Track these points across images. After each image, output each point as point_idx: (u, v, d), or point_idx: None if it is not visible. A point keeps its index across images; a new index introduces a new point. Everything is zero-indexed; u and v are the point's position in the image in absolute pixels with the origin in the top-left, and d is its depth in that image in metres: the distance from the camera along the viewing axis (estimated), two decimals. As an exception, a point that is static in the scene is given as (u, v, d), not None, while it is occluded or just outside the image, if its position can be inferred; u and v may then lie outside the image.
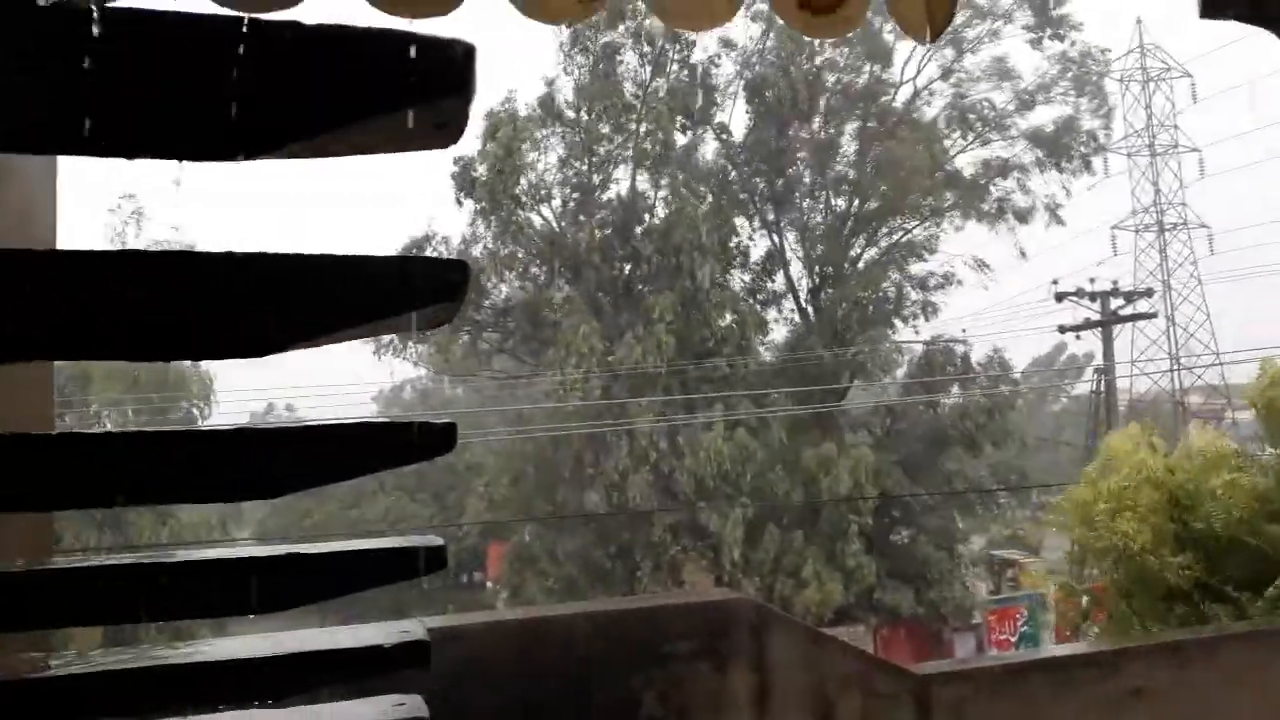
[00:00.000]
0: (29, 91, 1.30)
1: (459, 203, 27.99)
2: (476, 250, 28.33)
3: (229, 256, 1.49)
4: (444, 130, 1.51)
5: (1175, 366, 38.33)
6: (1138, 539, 7.78)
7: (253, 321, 1.54)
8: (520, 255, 27.87)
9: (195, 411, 25.49)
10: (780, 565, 23.78)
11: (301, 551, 2.24)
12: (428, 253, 28.43)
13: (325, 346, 1.85)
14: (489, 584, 40.50)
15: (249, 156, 1.40)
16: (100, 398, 25.10)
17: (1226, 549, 7.73)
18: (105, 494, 2.10)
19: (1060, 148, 29.12)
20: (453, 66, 1.41)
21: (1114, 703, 5.48)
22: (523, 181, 26.91)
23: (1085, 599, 9.58)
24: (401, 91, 1.42)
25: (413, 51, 1.38)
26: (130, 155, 1.38)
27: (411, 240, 28.51)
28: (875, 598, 25.49)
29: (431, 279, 1.65)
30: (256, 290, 1.51)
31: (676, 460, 23.98)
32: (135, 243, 25.42)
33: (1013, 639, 25.99)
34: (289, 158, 1.49)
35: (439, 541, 2.34)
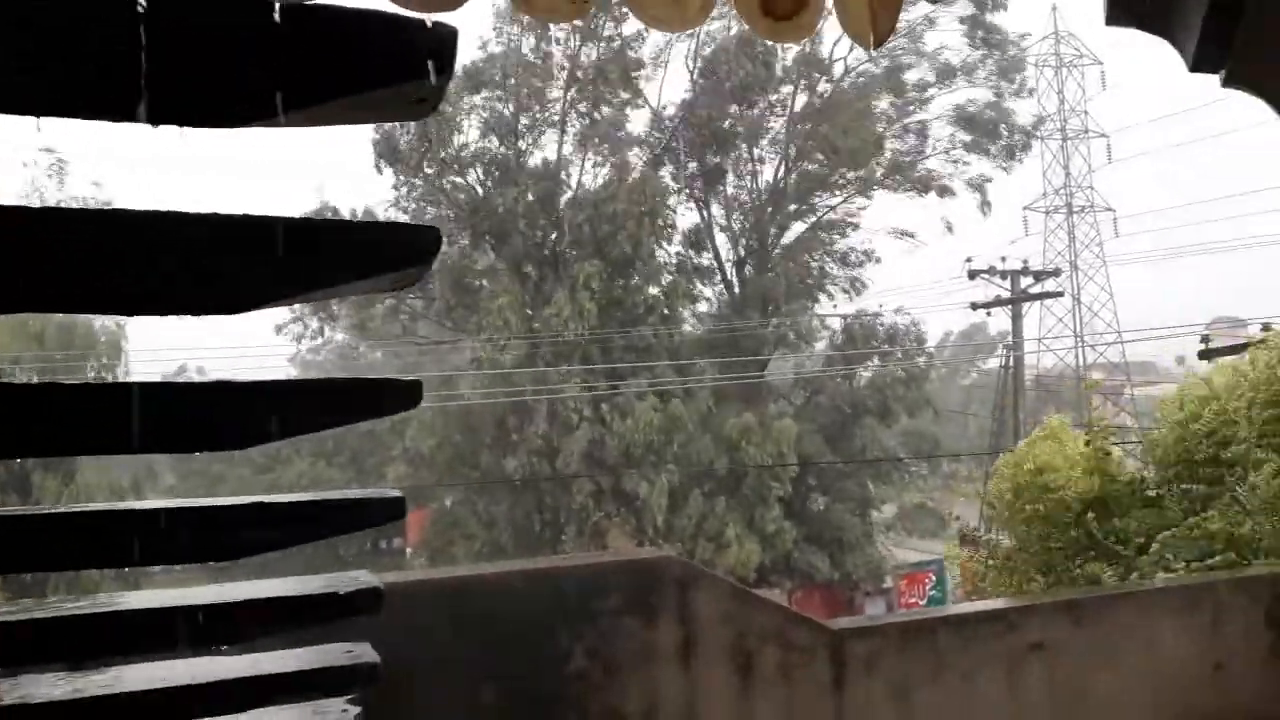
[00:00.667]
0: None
1: (379, 169, 27.56)
2: (397, 216, 27.92)
3: (212, 217, 1.58)
4: (423, 104, 1.64)
5: (1079, 344, 39.93)
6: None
7: (236, 280, 1.63)
8: (445, 222, 27.57)
9: (104, 372, 24.70)
10: (702, 530, 24.25)
11: (265, 501, 2.34)
12: (350, 211, 27.98)
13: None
14: (408, 550, 40.28)
15: (248, 123, 1.49)
16: (2, 354, 24.17)
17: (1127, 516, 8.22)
18: (83, 443, 2.16)
19: (985, 129, 29.90)
20: (438, 48, 1.51)
21: (1014, 656, 5.86)
22: (446, 150, 26.60)
23: (988, 563, 10.05)
24: (391, 69, 1.52)
25: (402, 33, 1.50)
26: (152, 122, 1.45)
27: (324, 205, 27.98)
28: (792, 562, 26.20)
29: (408, 243, 1.77)
30: (242, 250, 1.61)
31: (602, 427, 24.18)
32: (56, 198, 24.38)
33: (921, 603, 27.02)
34: (284, 125, 1.56)
35: (397, 494, 2.46)
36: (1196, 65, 1.93)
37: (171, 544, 2.39)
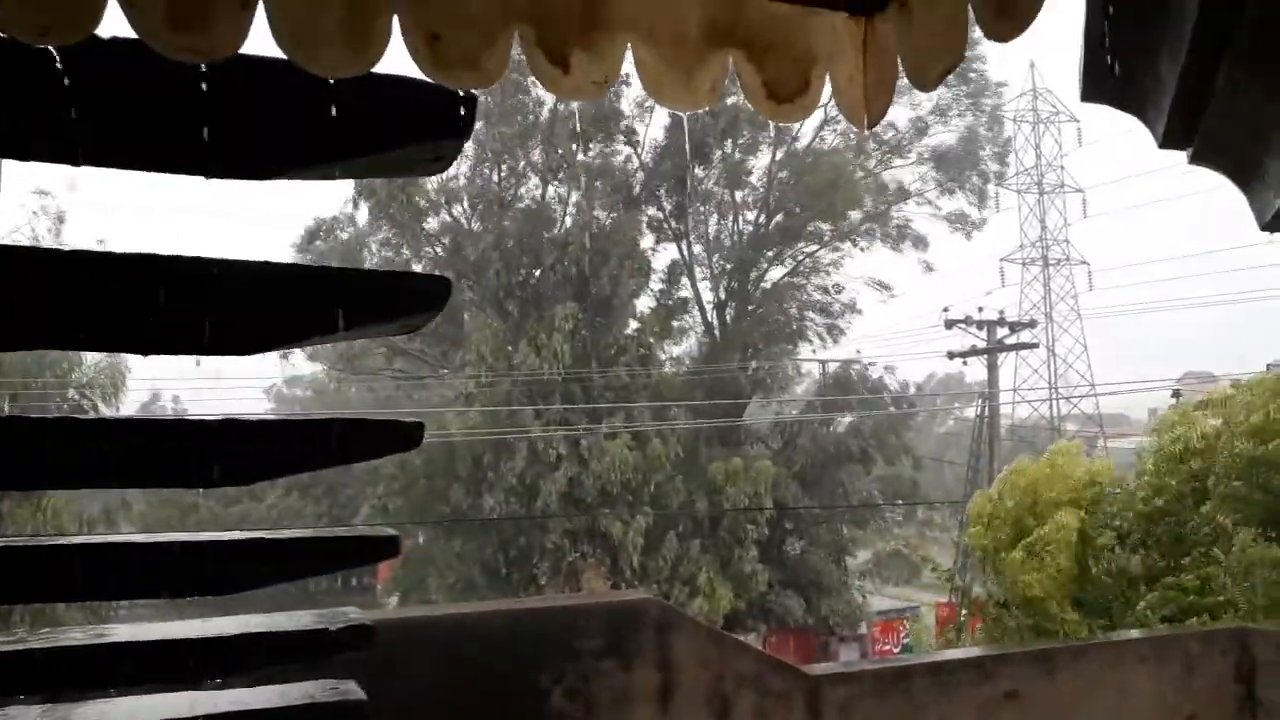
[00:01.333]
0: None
1: (355, 204, 27.72)
2: (376, 247, 28.09)
3: (236, 263, 1.66)
4: (439, 162, 1.74)
5: (1054, 395, 40.34)
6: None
7: (255, 322, 1.71)
8: (423, 254, 27.67)
9: (83, 402, 24.40)
10: (677, 573, 24.16)
11: (264, 537, 2.38)
12: (324, 243, 28.03)
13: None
14: (379, 587, 39.79)
15: (284, 176, 1.59)
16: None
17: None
18: (94, 477, 2.21)
19: (961, 177, 30.48)
20: (457, 113, 1.64)
21: (989, 704, 5.90)
22: (428, 185, 26.78)
23: (963, 611, 10.14)
24: (412, 131, 1.64)
25: (426, 98, 1.61)
26: (202, 174, 1.58)
27: (317, 224, 28.13)
28: (767, 605, 26.11)
29: (419, 292, 1.86)
30: (262, 294, 1.68)
31: (579, 466, 24.13)
32: (51, 241, 24.29)
33: (895, 650, 26.97)
34: (311, 179, 1.67)
35: (392, 533, 2.51)
36: (1165, 143, 2.05)
37: (164, 577, 2.42)
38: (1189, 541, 8.15)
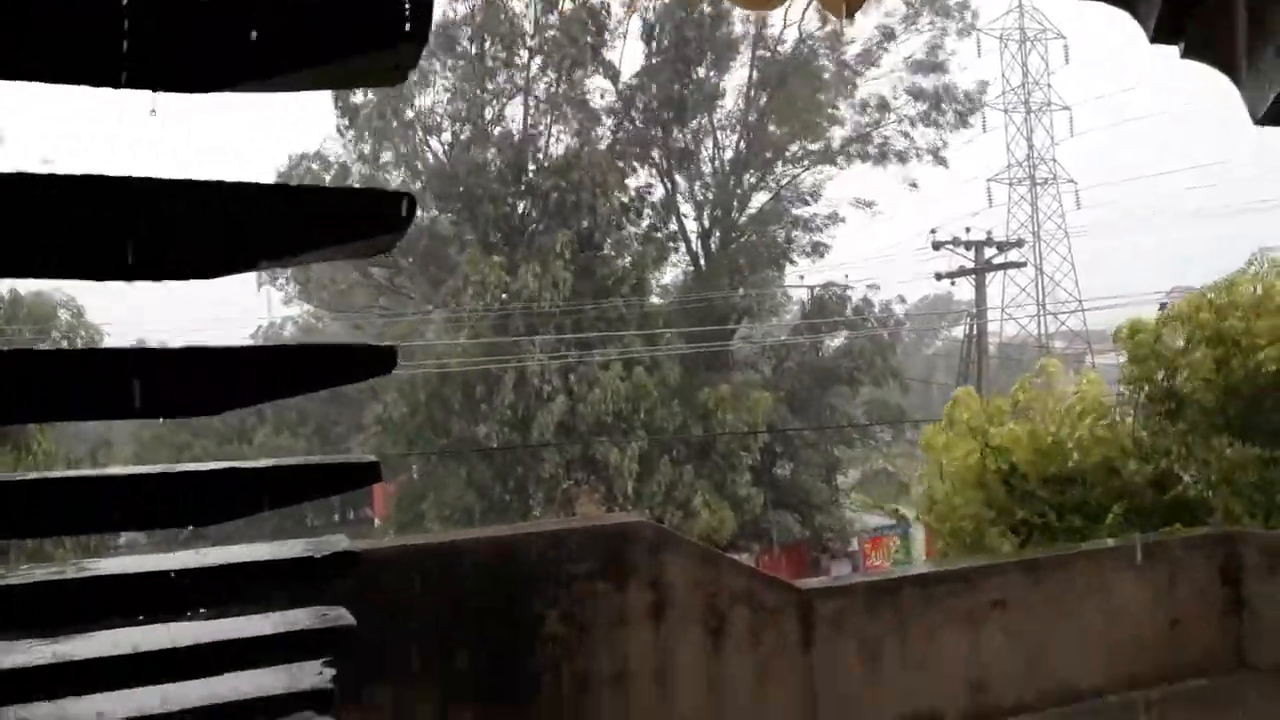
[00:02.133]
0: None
1: (340, 132, 27.16)
2: (358, 177, 27.63)
3: (183, 183, 1.58)
4: (396, 70, 1.65)
5: (1041, 313, 40.48)
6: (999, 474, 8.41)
7: (206, 245, 1.64)
8: (408, 186, 27.24)
9: (65, 344, 24.28)
10: (671, 497, 24.42)
11: (241, 466, 2.34)
12: (301, 175, 27.59)
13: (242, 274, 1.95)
14: (376, 521, 40.18)
15: (220, 89, 1.52)
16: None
17: (1082, 486, 8.42)
18: (58, 409, 2.16)
19: (943, 98, 29.98)
20: (411, 14, 1.54)
21: (977, 613, 6.01)
22: (410, 112, 26.27)
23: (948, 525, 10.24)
24: (365, 37, 1.55)
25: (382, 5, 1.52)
26: (129, 86, 1.48)
27: (295, 159, 27.64)
28: (760, 527, 26.50)
29: (382, 210, 1.77)
30: (213, 215, 1.62)
31: (571, 397, 24.19)
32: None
33: (886, 564, 27.47)
34: (256, 91, 1.59)
35: (372, 459, 2.47)
36: (1156, 37, 1.98)
37: (146, 509, 2.39)
38: (1164, 453, 8.20)
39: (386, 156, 27.39)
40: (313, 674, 3.07)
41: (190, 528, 2.47)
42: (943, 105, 29.88)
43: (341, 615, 2.99)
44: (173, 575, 2.57)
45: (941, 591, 5.92)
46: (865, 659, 5.62)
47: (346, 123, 26.75)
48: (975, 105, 31.00)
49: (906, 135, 30.58)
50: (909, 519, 30.56)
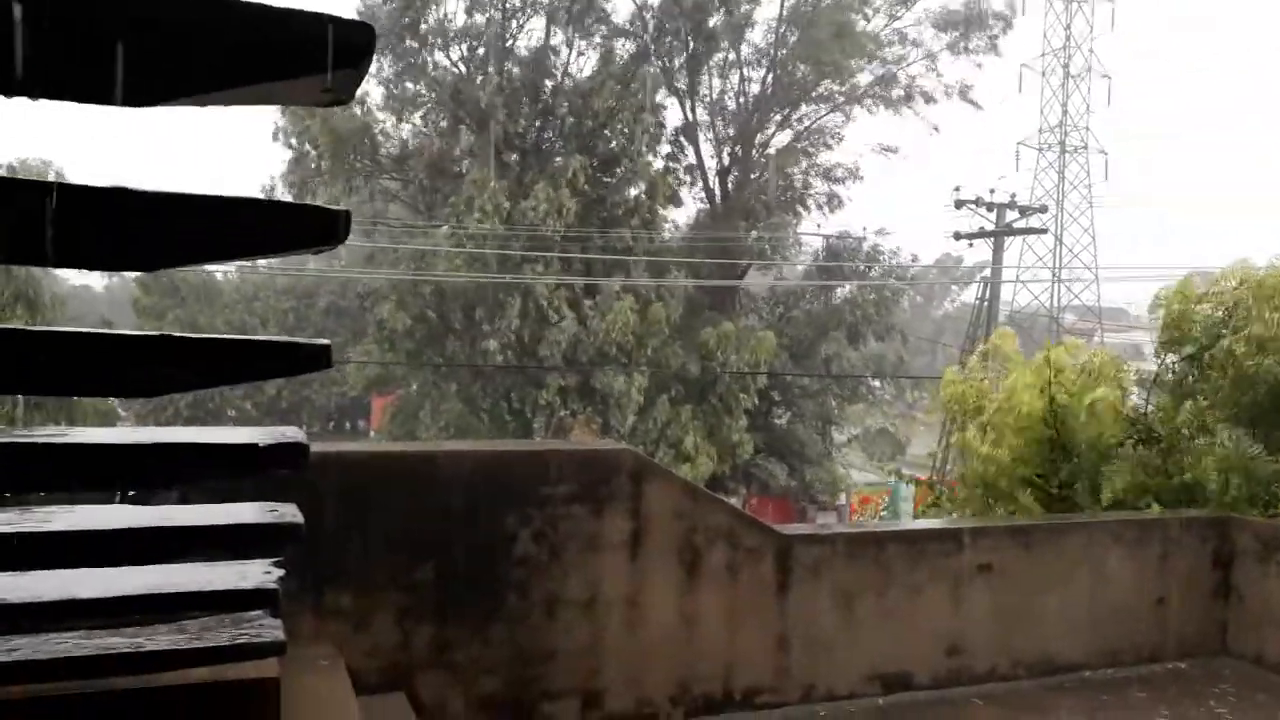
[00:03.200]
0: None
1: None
2: (373, 90, 27.15)
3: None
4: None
5: (1056, 283, 39.97)
6: (1008, 450, 8.21)
7: (154, 71, 1.62)
8: (422, 98, 26.69)
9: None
10: (665, 435, 24.39)
11: (192, 337, 2.19)
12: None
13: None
14: (373, 433, 40.36)
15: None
16: None
17: (1088, 462, 8.24)
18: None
19: (967, 28, 29.09)
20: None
21: (963, 574, 5.86)
22: (425, 25, 25.58)
23: (942, 491, 10.07)
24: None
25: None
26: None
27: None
28: (750, 471, 26.51)
29: (343, 43, 1.72)
30: (158, 42, 1.60)
31: (577, 324, 23.98)
32: None
33: (873, 521, 27.54)
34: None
35: (325, 342, 2.27)
36: None
37: (92, 376, 2.23)
38: (1172, 435, 8.00)
39: (396, 69, 26.70)
40: (258, 574, 2.91)
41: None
42: (971, 32, 29.03)
43: (290, 512, 2.82)
44: (116, 449, 2.41)
45: (930, 550, 5.77)
46: (841, 609, 5.49)
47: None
48: (1008, 23, 30.04)
49: (933, 69, 29.82)
50: (903, 478, 30.57)
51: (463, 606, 4.70)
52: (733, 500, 25.42)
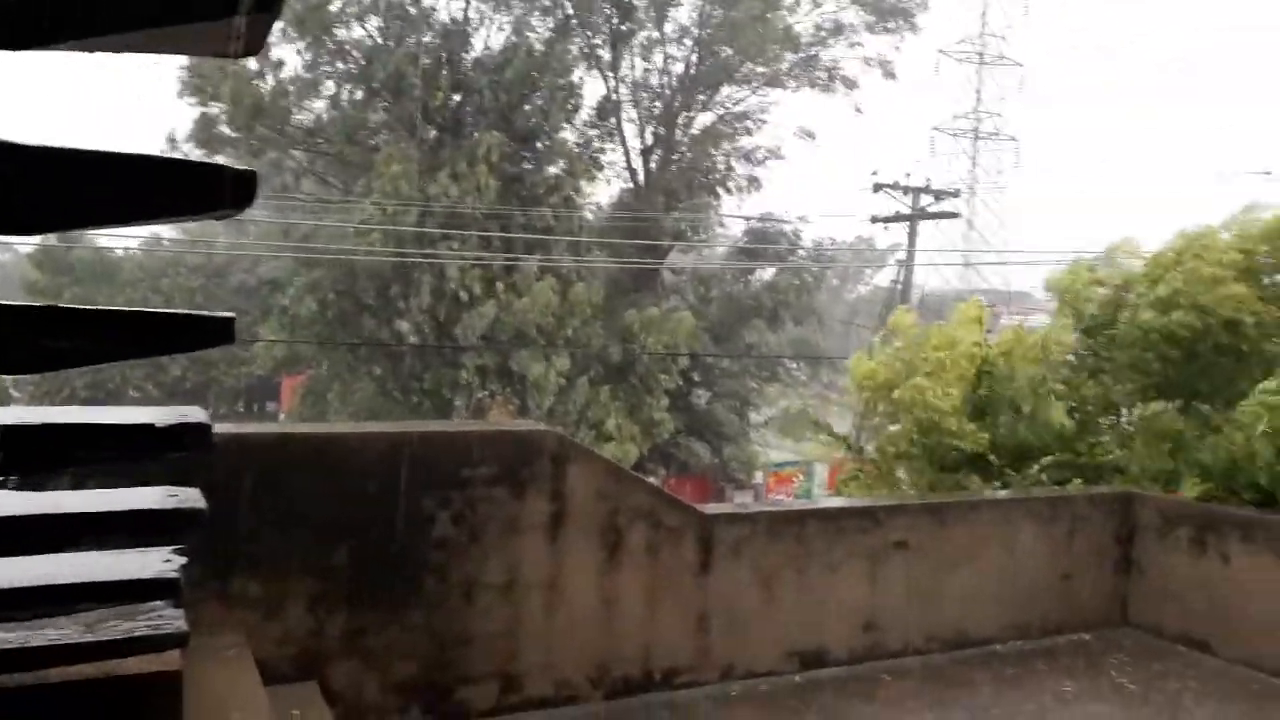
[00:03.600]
0: None
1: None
2: (289, 59, 26.25)
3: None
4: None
5: (966, 263, 41.07)
6: (944, 400, 8.32)
7: (36, 9, 1.43)
8: (334, 69, 25.90)
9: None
10: (585, 417, 24.28)
11: (87, 309, 2.04)
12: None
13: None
14: (282, 416, 39.34)
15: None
16: None
17: (1012, 427, 8.44)
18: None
19: (888, 7, 29.46)
20: None
21: (879, 552, 5.94)
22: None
23: (858, 467, 10.21)
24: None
25: None
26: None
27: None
28: (670, 452, 26.62)
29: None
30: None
31: (495, 304, 23.65)
32: None
33: (789, 499, 27.98)
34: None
35: (229, 315, 2.14)
36: None
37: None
38: (1083, 410, 8.27)
39: (308, 39, 25.83)
40: (158, 562, 2.76)
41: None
42: (894, 13, 29.40)
43: (191, 497, 2.67)
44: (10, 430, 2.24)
45: (848, 527, 5.84)
46: (761, 587, 5.52)
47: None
48: (924, 4, 30.52)
49: (856, 44, 30.10)
50: (816, 458, 31.12)
51: (378, 591, 4.58)
52: (654, 480, 25.52)
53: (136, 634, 2.65)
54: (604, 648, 5.10)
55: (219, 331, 2.04)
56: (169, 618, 2.74)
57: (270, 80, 25.76)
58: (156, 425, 2.20)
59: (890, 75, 30.61)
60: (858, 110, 31.55)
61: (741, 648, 5.47)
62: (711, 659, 5.39)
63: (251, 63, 25.92)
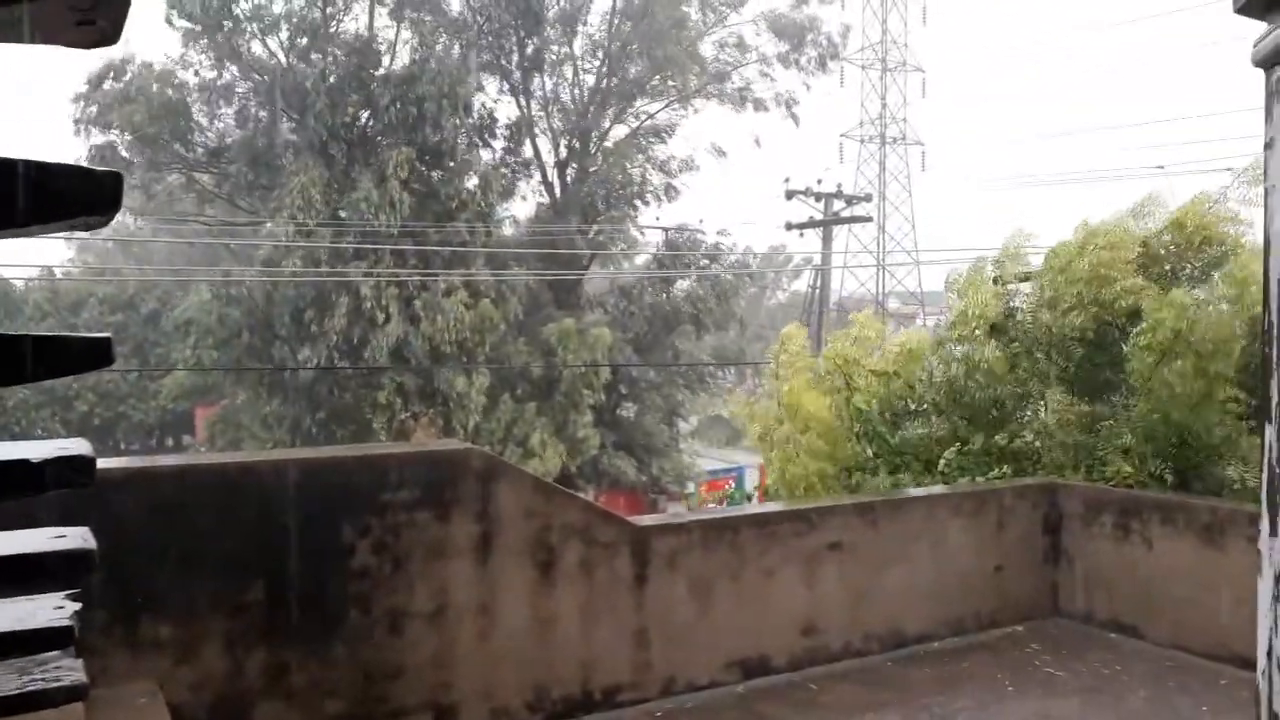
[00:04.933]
0: None
1: (170, 23, 24.79)
2: (189, 78, 25.45)
3: None
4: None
5: (881, 270, 41.86)
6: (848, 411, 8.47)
7: None
8: (239, 89, 25.21)
9: None
10: (511, 434, 23.95)
11: None
12: (126, 80, 25.14)
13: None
14: (202, 448, 38.02)
15: None
16: None
17: (915, 427, 8.56)
18: None
19: (799, 40, 29.95)
20: None
21: (813, 554, 5.89)
22: (242, 6, 24.15)
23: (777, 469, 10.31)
24: None
25: None
26: None
27: (107, 65, 25.01)
28: (600, 468, 26.41)
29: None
30: None
31: (410, 324, 23.20)
32: None
33: (721, 506, 28.02)
34: None
35: (105, 335, 1.94)
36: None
37: None
38: (994, 406, 8.40)
39: (211, 56, 25.14)
40: (49, 609, 2.52)
41: None
42: (805, 45, 29.87)
43: (79, 536, 2.44)
44: None
45: (781, 531, 5.77)
46: (699, 598, 5.42)
47: (176, 12, 24.39)
48: (836, 50, 31.14)
49: (767, 75, 30.53)
50: (742, 466, 31.33)
51: (299, 627, 4.34)
52: (584, 496, 25.27)
53: (29, 689, 2.42)
54: (541, 670, 4.93)
55: (95, 353, 1.80)
56: (66, 669, 2.51)
57: (171, 95, 24.98)
58: (32, 460, 1.98)
59: (793, 117, 31.16)
60: (756, 143, 31.94)
61: (682, 661, 5.36)
62: (652, 674, 5.26)
63: (154, 82, 25.13)
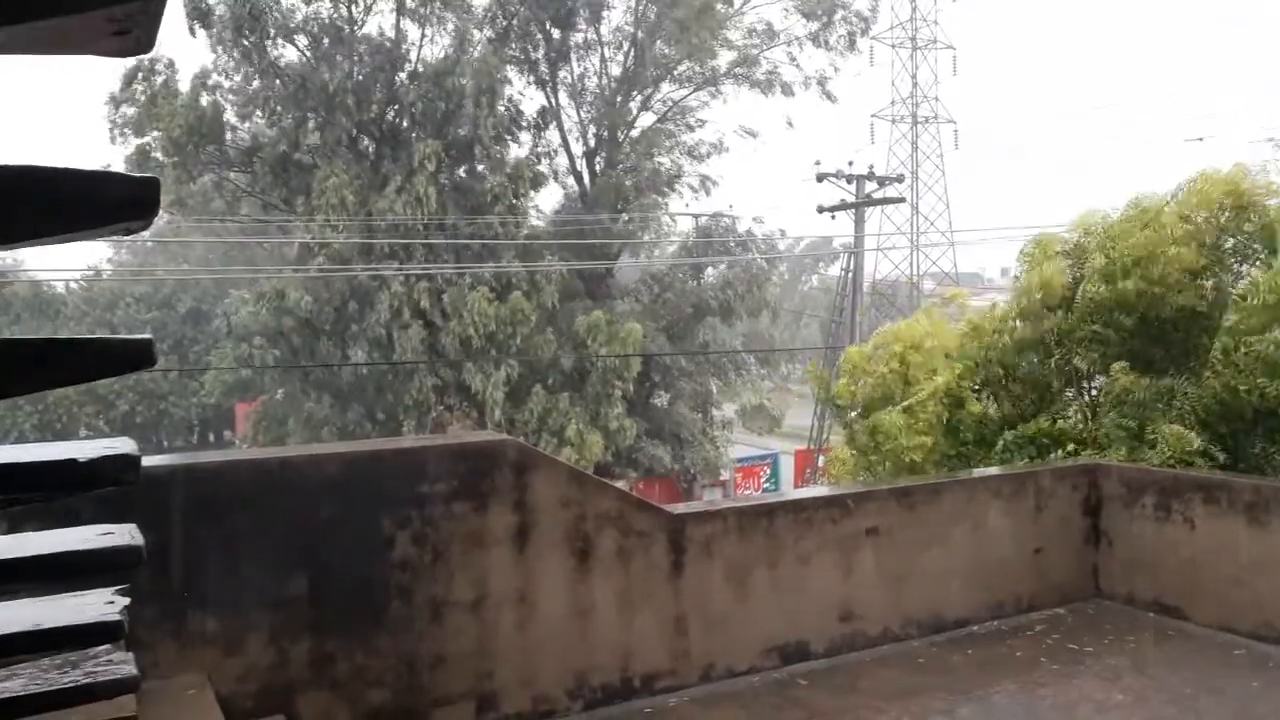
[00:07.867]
0: None
1: (192, 32, 25.01)
2: (222, 81, 25.70)
3: None
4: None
5: (915, 251, 41.49)
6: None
7: None
8: (269, 94, 25.40)
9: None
10: (545, 425, 24.06)
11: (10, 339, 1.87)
12: (158, 83, 25.43)
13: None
14: (238, 442, 38.60)
15: None
16: None
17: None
18: None
19: (828, 18, 29.62)
20: None
21: (850, 539, 5.88)
22: (270, 11, 24.31)
23: (819, 459, 10.32)
24: None
25: None
26: None
27: (135, 67, 25.32)
28: (634, 456, 26.45)
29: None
30: None
31: (443, 318, 23.36)
32: None
33: (757, 493, 27.98)
34: None
35: (146, 337, 1.98)
36: None
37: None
38: (1046, 384, 8.34)
39: (238, 59, 25.33)
40: (99, 604, 2.58)
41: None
42: (834, 24, 29.52)
43: (127, 533, 2.50)
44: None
45: (817, 518, 5.76)
46: (736, 584, 5.43)
47: (199, 23, 24.61)
48: (867, 25, 30.71)
49: (793, 59, 30.22)
50: (776, 452, 31.27)
51: (341, 618, 4.41)
52: (619, 485, 25.34)
53: (83, 682, 2.49)
54: (580, 658, 4.97)
55: (137, 355, 1.84)
56: (117, 662, 2.59)
57: (204, 101, 25.25)
58: (79, 460, 2.03)
59: (828, 96, 30.76)
60: (789, 124, 31.75)
61: (720, 647, 5.38)
62: (691, 661, 5.28)
63: (184, 86, 25.42)
